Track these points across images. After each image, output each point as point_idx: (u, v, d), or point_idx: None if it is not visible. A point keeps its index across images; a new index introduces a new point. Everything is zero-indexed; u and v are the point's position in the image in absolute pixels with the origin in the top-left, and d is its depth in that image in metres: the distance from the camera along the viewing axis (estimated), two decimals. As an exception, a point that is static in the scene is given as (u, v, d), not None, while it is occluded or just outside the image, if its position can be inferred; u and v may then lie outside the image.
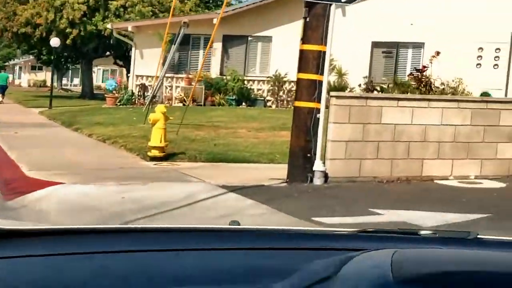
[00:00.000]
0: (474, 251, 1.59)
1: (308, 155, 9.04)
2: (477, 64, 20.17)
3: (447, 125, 9.31)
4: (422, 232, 1.79)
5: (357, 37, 20.78)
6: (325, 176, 9.00)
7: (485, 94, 19.11)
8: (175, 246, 1.60)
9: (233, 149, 12.26)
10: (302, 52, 9.18)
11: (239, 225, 1.96)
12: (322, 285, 1.30)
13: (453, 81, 20.02)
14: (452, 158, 9.39)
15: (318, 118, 9.03)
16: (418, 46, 21.10)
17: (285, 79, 21.82)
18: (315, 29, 9.03)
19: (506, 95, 19.71)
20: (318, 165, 8.97)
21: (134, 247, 1.57)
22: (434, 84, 20.13)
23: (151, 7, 33.01)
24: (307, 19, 9.05)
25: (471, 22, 19.71)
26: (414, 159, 9.31)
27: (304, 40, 9.12)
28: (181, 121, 13.73)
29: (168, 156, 11.10)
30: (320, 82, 9.05)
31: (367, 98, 9.21)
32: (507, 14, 19.51)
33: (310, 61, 9.06)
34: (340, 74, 21.64)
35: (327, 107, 9.22)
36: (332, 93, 9.37)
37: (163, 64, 19.10)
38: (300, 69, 9.20)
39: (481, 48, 20.03)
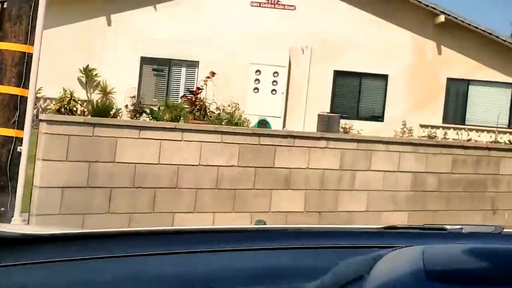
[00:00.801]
0: (502, 245, 1.61)
1: (2, 208, 5.99)
2: (255, 89, 18.43)
3: (208, 165, 6.83)
4: (448, 228, 1.77)
5: (126, 51, 18.10)
6: (27, 240, 6.00)
7: (262, 122, 17.42)
8: (203, 247, 1.59)
9: None
10: (-4, 53, 6.13)
11: (265, 224, 2.04)
12: (355, 284, 1.28)
13: (229, 106, 18.09)
14: (214, 210, 6.92)
15: (20, 153, 6.03)
16: (193, 65, 18.87)
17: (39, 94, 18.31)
18: (17, 20, 6.02)
19: (284, 123, 18.20)
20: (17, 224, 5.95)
21: (162, 250, 1.57)
22: (209, 109, 18.08)
23: None
24: (5, 4, 6.06)
25: (248, 41, 17.99)
26: (162, 212, 6.68)
27: (-1, 35, 6.11)
28: None
29: None
30: (25, 99, 6.06)
31: (95, 125, 6.40)
32: (285, 34, 18.10)
33: (8, 67, 6.01)
34: (106, 92, 18.70)
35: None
36: (41, 116, 6.40)
37: None
38: (-8, 79, 6.13)
39: (258, 71, 18.34)
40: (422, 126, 18.52)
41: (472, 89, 19.13)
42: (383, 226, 1.82)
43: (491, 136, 18.27)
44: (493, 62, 18.91)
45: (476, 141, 16.61)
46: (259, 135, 7.10)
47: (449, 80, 18.95)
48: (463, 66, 18.81)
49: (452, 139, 17.50)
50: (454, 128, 18.60)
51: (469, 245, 1.52)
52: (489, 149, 8.39)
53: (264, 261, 1.55)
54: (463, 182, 8.20)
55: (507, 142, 17.04)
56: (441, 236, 1.74)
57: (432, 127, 18.51)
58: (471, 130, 18.56)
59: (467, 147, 8.32)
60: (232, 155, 6.86)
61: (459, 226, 1.79)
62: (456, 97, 19.19)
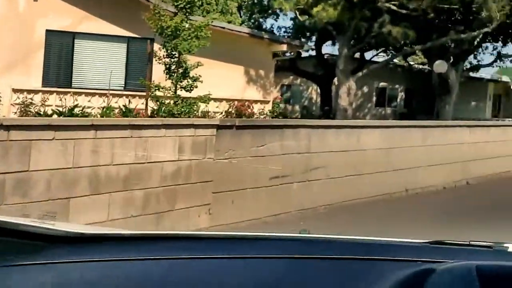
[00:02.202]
0: None
1: None
2: None
3: None
4: (494, 246, 1.76)
5: None
6: None
7: None
8: (235, 253, 1.63)
9: None
10: None
11: (309, 233, 1.94)
12: None
13: None
14: None
15: None
16: None
17: None
18: None
19: None
20: None
21: (198, 254, 1.60)
22: None
23: None
24: None
25: None
26: None
27: None
28: None
29: None
30: None
31: None
32: None
33: None
34: None
35: None
36: None
37: None
38: None
39: None
40: (16, 91, 14.42)
41: (80, 44, 15.59)
42: (428, 240, 1.77)
43: (104, 101, 15.04)
44: (105, 12, 15.61)
45: (83, 108, 13.16)
46: None
47: (50, 33, 15.11)
48: (67, 16, 15.13)
49: (55, 106, 13.78)
50: (58, 92, 14.89)
51: None
52: (8, 127, 4.80)
53: (304, 270, 1.55)
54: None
55: (122, 107, 13.96)
56: (487, 253, 1.72)
57: (30, 91, 14.52)
58: (79, 94, 15.07)
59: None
60: None
61: (506, 244, 1.77)
62: (60, 53, 15.46)
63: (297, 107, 39.10)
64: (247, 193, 9.39)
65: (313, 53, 30.73)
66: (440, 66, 21.66)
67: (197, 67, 12.33)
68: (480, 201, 11.67)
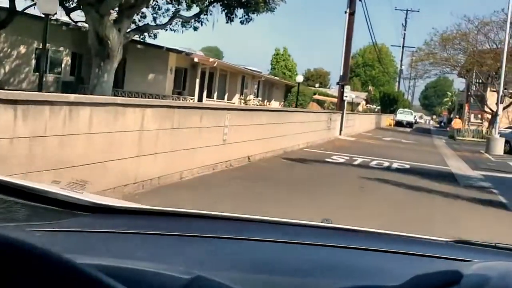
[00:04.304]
0: None
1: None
2: None
3: None
4: None
5: None
6: None
7: None
8: (265, 236, 1.60)
9: None
10: None
11: (331, 222, 1.91)
12: None
13: None
14: None
15: None
16: None
17: None
18: None
19: None
20: None
21: (235, 235, 1.59)
22: None
23: None
24: None
25: None
26: None
27: None
28: None
29: None
30: None
31: None
32: None
33: None
34: None
35: None
36: None
37: None
38: None
39: None
40: None
41: None
42: (452, 239, 1.77)
43: None
44: None
45: None
46: None
47: None
48: None
49: None
50: None
51: None
52: None
53: (324, 258, 1.54)
54: None
55: None
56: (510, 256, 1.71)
57: None
58: None
59: None
60: None
61: None
62: None
63: None
64: None
65: None
66: (46, 3, 14.15)
67: None
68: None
